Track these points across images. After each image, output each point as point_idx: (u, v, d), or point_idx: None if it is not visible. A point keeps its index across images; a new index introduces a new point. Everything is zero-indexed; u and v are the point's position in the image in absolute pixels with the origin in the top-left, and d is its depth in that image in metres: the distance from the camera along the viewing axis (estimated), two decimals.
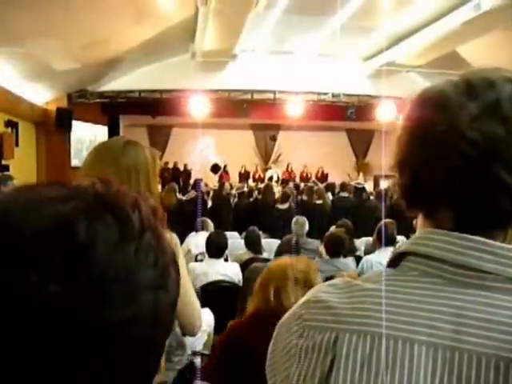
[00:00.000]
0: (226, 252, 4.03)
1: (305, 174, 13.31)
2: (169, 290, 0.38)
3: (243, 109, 10.71)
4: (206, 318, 2.21)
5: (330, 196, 7.68)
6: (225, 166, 13.08)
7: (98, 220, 0.35)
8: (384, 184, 8.74)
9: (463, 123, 0.51)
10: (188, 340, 2.52)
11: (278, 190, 8.51)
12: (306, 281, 1.72)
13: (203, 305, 2.09)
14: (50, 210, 0.34)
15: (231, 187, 8.60)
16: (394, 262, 0.56)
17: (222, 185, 7.79)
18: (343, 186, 7.44)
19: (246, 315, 1.87)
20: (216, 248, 3.72)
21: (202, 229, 4.90)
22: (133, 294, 0.35)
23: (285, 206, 6.65)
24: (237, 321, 2.00)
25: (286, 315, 0.60)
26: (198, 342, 2.80)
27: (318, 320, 0.54)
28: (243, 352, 1.68)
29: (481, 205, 0.51)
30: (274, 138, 14.27)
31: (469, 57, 8.28)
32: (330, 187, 8.36)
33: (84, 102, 9.94)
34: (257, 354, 1.67)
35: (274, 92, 10.38)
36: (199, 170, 12.01)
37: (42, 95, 8.93)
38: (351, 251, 4.43)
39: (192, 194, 7.18)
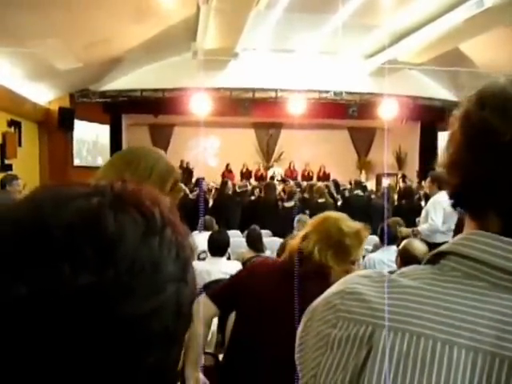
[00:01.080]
0: (229, 250, 4.03)
1: (307, 173, 13.30)
2: (189, 283, 0.40)
3: (245, 107, 10.70)
4: None
5: (332, 192, 7.64)
6: (227, 165, 13.09)
7: (124, 214, 0.36)
8: (386, 182, 8.73)
9: None
10: None
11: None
12: (338, 241, 1.65)
13: None
14: (77, 205, 0.36)
15: (234, 186, 8.59)
16: (433, 260, 0.55)
17: (224, 183, 7.77)
18: (357, 184, 7.39)
19: None
20: (218, 246, 3.72)
21: (206, 228, 4.90)
22: (157, 286, 0.36)
23: (290, 204, 6.64)
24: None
25: (319, 301, 0.59)
26: None
27: (354, 312, 0.54)
28: (249, 288, 1.73)
29: None
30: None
31: (471, 54, 8.25)
32: (335, 185, 8.35)
33: (86, 102, 9.95)
34: (261, 295, 1.71)
35: (275, 90, 10.37)
36: (201, 169, 12.01)
37: (44, 95, 8.95)
38: None
39: (196, 192, 7.20)
